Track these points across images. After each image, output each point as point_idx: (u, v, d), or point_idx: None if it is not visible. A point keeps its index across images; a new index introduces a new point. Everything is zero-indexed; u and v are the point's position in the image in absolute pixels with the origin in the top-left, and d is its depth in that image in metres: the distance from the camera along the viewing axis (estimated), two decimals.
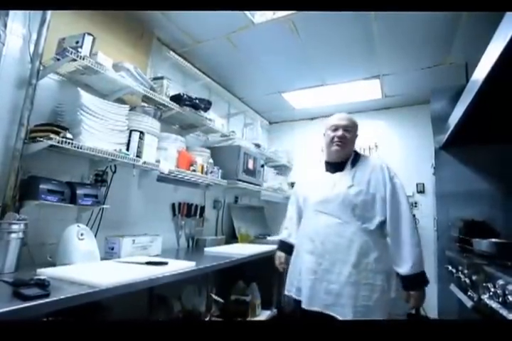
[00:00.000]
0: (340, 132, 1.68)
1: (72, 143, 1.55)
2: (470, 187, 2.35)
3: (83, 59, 1.66)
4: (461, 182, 2.38)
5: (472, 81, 1.59)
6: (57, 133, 1.53)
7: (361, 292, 1.47)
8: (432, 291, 3.32)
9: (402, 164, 3.98)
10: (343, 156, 1.69)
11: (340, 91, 3.61)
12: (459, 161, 2.42)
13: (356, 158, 1.69)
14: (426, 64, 2.89)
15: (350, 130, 1.70)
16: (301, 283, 1.61)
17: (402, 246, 1.49)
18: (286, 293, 1.74)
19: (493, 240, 1.71)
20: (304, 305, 1.56)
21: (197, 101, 2.52)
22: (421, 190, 3.86)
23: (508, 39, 1.07)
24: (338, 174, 1.66)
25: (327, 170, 1.72)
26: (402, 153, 4.04)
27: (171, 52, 2.63)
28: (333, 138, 1.68)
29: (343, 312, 1.46)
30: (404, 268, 1.46)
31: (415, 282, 1.47)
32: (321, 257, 1.56)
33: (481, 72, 1.39)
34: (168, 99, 2.31)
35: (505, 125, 1.90)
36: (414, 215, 3.75)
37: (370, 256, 1.51)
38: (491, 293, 1.19)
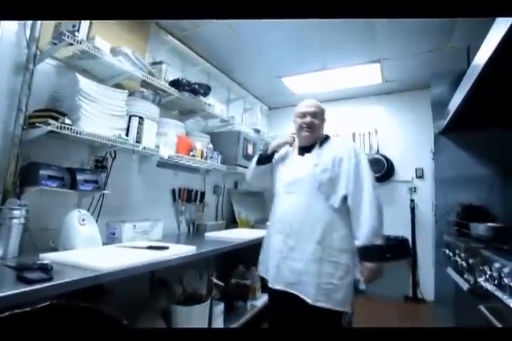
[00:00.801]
0: (308, 119, 1.71)
1: (71, 129, 1.55)
2: (469, 172, 2.35)
3: (80, 43, 1.64)
4: (460, 167, 2.39)
5: (473, 65, 1.57)
6: (56, 119, 1.52)
7: (325, 269, 1.49)
8: (428, 274, 3.40)
9: (402, 149, 3.99)
10: (313, 140, 1.73)
11: (340, 76, 3.57)
12: (458, 146, 2.42)
13: (325, 141, 1.74)
14: (427, 48, 2.85)
15: (317, 116, 1.73)
16: (269, 262, 1.66)
17: (360, 219, 1.51)
18: (257, 273, 1.85)
19: (490, 224, 1.73)
20: (269, 284, 1.64)
21: (196, 86, 2.50)
22: (420, 175, 3.87)
23: (510, 23, 1.05)
24: (306, 155, 1.71)
25: (298, 153, 1.76)
26: (401, 139, 4.03)
27: (170, 37, 2.59)
28: (301, 124, 1.72)
29: (306, 291, 1.49)
30: (360, 240, 1.49)
31: (368, 253, 1.49)
32: (287, 236, 1.59)
33: (483, 56, 1.37)
34: (167, 84, 2.29)
35: (506, 110, 1.89)
36: (412, 200, 3.80)
37: (336, 234, 1.54)
38: (487, 276, 1.21)
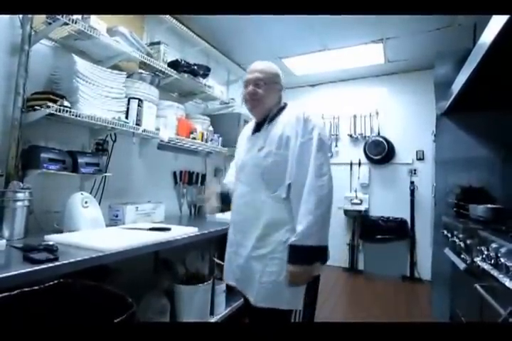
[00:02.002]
0: (250, 87, 1.39)
1: (70, 112, 1.54)
2: (469, 154, 2.35)
3: (75, 23, 1.60)
4: (461, 149, 2.39)
5: (479, 44, 1.53)
6: (55, 102, 1.51)
7: (268, 267, 1.29)
8: (426, 255, 3.46)
9: (403, 132, 3.99)
10: (262, 115, 1.43)
11: (342, 57, 3.51)
12: (460, 128, 2.40)
13: (278, 114, 1.42)
14: (432, 26, 2.78)
15: (261, 84, 1.38)
16: (225, 255, 1.51)
17: (299, 213, 1.24)
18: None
19: (489, 206, 1.74)
20: (224, 280, 1.51)
21: (195, 67, 2.46)
22: (420, 157, 3.87)
23: None
24: (255, 135, 1.45)
25: (252, 132, 1.49)
26: (402, 121, 4.01)
27: (168, 16, 2.53)
28: (244, 96, 1.43)
29: (248, 289, 1.34)
30: (293, 237, 1.24)
31: (294, 254, 1.24)
32: (235, 229, 1.44)
33: (490, 34, 1.34)
34: (165, 66, 2.26)
35: (510, 91, 1.87)
36: (412, 182, 3.82)
37: (282, 228, 1.30)
38: (484, 256, 1.23)
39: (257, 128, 1.45)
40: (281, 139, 1.31)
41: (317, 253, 1.26)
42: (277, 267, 1.28)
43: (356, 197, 4.10)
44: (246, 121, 3.00)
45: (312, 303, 1.34)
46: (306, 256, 1.23)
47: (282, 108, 1.44)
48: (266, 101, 1.40)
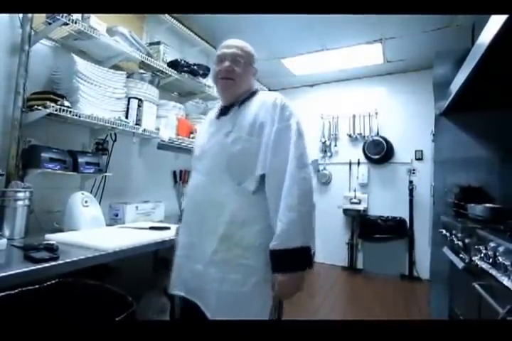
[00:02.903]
0: (226, 63, 1.22)
1: (70, 111, 1.55)
2: (468, 154, 2.36)
3: (75, 23, 1.61)
4: (460, 148, 2.39)
5: (478, 44, 1.54)
6: (55, 102, 1.51)
7: (231, 274, 1.08)
8: (425, 254, 3.47)
9: (402, 131, 3.99)
10: (232, 98, 1.26)
11: (341, 57, 3.52)
12: (459, 128, 2.41)
13: (249, 98, 1.26)
14: (431, 26, 2.79)
15: (240, 60, 1.24)
16: (174, 260, 1.26)
17: (278, 209, 1.06)
18: None
19: (487, 205, 1.75)
20: (169, 289, 1.24)
21: (195, 67, 2.46)
22: (419, 157, 3.88)
23: None
24: (222, 119, 1.26)
25: (216, 116, 1.30)
26: (402, 121, 4.02)
27: (167, 16, 2.53)
28: (217, 73, 1.26)
29: (206, 300, 1.11)
30: (273, 240, 1.04)
31: (279, 261, 1.04)
32: (190, 228, 1.21)
33: (488, 34, 1.35)
34: (165, 66, 2.26)
35: (509, 91, 1.87)
36: (411, 182, 3.82)
37: (250, 228, 1.11)
38: (482, 255, 1.23)
39: (224, 111, 1.27)
40: (254, 125, 1.15)
41: (305, 256, 1.06)
42: (242, 275, 1.08)
43: (355, 196, 4.10)
44: None
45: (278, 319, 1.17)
46: (294, 260, 1.04)
47: (254, 93, 1.28)
48: (241, 82, 1.25)
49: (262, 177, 1.12)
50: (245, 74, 1.25)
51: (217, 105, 1.38)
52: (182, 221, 1.28)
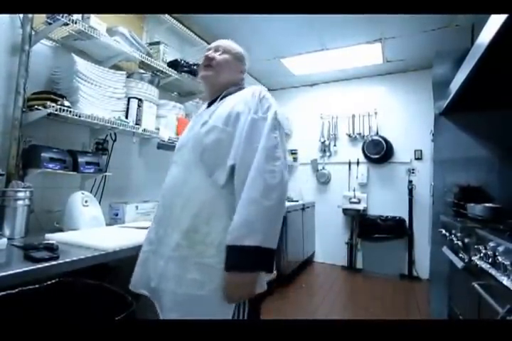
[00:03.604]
0: (209, 52, 1.24)
1: (70, 111, 1.55)
2: (467, 154, 2.36)
3: (75, 23, 1.61)
4: (459, 148, 2.39)
5: (477, 44, 1.54)
6: (55, 101, 1.52)
7: (189, 274, 0.99)
8: (424, 254, 3.48)
9: (401, 131, 4.00)
10: (215, 88, 1.24)
11: (341, 57, 3.52)
12: (458, 127, 2.41)
13: (233, 92, 1.21)
14: (430, 26, 2.80)
15: (221, 51, 1.24)
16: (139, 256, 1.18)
17: (239, 202, 0.99)
18: None
19: (487, 204, 1.75)
20: (130, 287, 1.14)
21: (195, 67, 2.46)
22: (419, 156, 3.89)
23: None
24: (203, 112, 1.24)
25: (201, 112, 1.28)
26: (401, 120, 4.03)
27: (167, 16, 2.53)
28: (200, 65, 1.27)
29: (162, 300, 1.02)
30: (228, 234, 0.97)
31: (232, 258, 0.95)
32: (158, 222, 1.15)
33: (487, 34, 1.35)
34: (165, 65, 2.26)
35: (508, 91, 1.88)
36: (410, 181, 3.83)
37: (216, 224, 1.02)
38: (482, 255, 1.23)
39: (208, 106, 1.25)
40: (230, 115, 1.09)
41: (260, 258, 0.95)
42: (201, 276, 0.98)
43: (355, 196, 4.10)
44: None
45: None
46: (245, 259, 0.94)
47: (240, 89, 1.23)
48: (222, 72, 1.21)
49: (233, 168, 1.04)
50: (226, 65, 1.22)
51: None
52: (154, 216, 1.22)
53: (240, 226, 0.95)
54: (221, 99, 1.19)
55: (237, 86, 1.24)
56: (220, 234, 1.00)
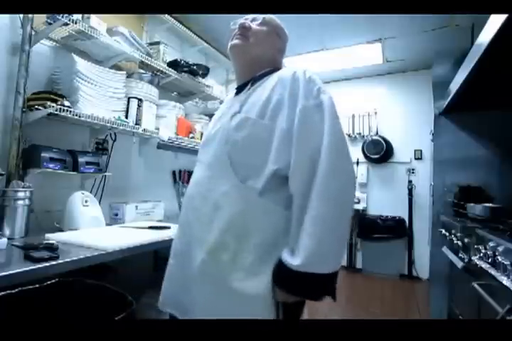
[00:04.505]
0: (245, 21, 1.05)
1: (70, 111, 1.55)
2: (467, 154, 2.36)
3: (75, 23, 1.61)
4: (459, 148, 2.40)
5: (477, 44, 1.55)
6: (55, 101, 1.52)
7: (219, 300, 0.85)
8: (424, 253, 3.48)
9: (401, 131, 4.00)
10: (248, 65, 1.03)
11: (340, 57, 3.52)
12: (458, 127, 2.41)
13: (267, 74, 1.00)
14: (430, 26, 2.80)
15: (260, 20, 1.05)
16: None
17: (302, 218, 0.79)
18: None
19: (487, 204, 1.75)
20: (158, 304, 1.03)
21: (195, 67, 2.46)
22: (418, 156, 3.89)
23: None
24: (235, 98, 1.04)
25: (231, 98, 1.09)
26: (401, 120, 4.03)
27: (167, 16, 2.53)
28: (232, 35, 1.05)
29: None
30: (292, 257, 0.78)
31: (300, 285, 0.78)
32: (182, 232, 0.99)
33: (487, 34, 1.35)
34: (165, 65, 2.26)
35: (507, 91, 1.88)
36: (410, 181, 3.83)
37: (248, 240, 0.84)
38: (482, 254, 1.24)
39: (238, 91, 1.04)
40: (267, 104, 0.89)
41: (330, 284, 0.81)
42: (231, 303, 0.83)
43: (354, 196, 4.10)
44: None
45: None
46: (315, 287, 0.79)
47: (276, 69, 1.02)
48: (257, 45, 1.01)
49: (275, 174, 0.85)
50: (264, 38, 1.02)
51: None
52: (178, 222, 1.05)
53: (312, 251, 0.76)
54: (253, 82, 0.98)
55: (273, 66, 1.04)
56: (252, 254, 0.83)
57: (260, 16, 1.05)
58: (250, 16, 1.07)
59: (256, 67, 1.01)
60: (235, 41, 1.02)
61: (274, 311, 0.82)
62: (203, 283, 0.87)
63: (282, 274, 0.79)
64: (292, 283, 0.79)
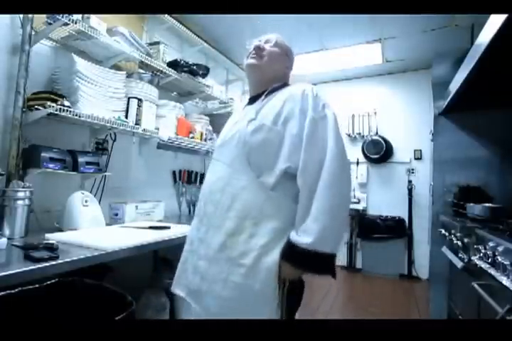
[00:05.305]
0: (257, 42, 1.21)
1: (70, 111, 1.55)
2: (467, 154, 2.36)
3: (75, 23, 1.61)
4: (459, 148, 2.39)
5: (476, 44, 1.55)
6: (55, 101, 1.52)
7: (233, 276, 0.98)
8: (423, 253, 3.48)
9: (401, 131, 4.00)
10: (262, 80, 1.20)
11: (340, 57, 3.52)
12: (458, 127, 2.41)
13: (279, 88, 1.17)
14: (430, 26, 2.80)
15: (271, 43, 1.20)
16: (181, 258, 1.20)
17: (309, 211, 0.96)
18: None
19: (486, 204, 1.75)
20: (171, 287, 1.17)
21: (194, 67, 2.47)
22: (418, 156, 3.90)
23: None
24: (247, 108, 1.21)
25: (244, 107, 1.27)
26: (401, 120, 4.03)
27: (167, 16, 2.53)
28: (248, 54, 1.22)
29: (204, 304, 1.02)
30: (298, 236, 0.96)
31: (304, 260, 0.95)
32: (200, 222, 1.13)
33: (487, 34, 1.35)
34: (165, 65, 2.26)
35: (507, 91, 1.88)
36: (410, 181, 3.83)
37: (262, 226, 1.00)
38: (481, 254, 1.24)
39: (252, 101, 1.21)
40: (280, 114, 1.06)
41: (331, 263, 0.99)
42: (245, 277, 0.97)
43: (354, 196, 4.11)
44: None
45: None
46: (319, 264, 0.97)
47: (285, 85, 1.20)
48: (270, 64, 1.18)
49: (285, 171, 1.02)
50: (276, 58, 1.20)
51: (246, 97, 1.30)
52: (196, 213, 1.20)
53: (321, 233, 0.93)
54: (267, 94, 1.15)
55: (283, 81, 1.22)
56: (267, 236, 0.99)
57: (273, 38, 1.21)
58: (264, 38, 1.22)
59: (269, 82, 1.18)
60: (251, 60, 1.18)
61: (281, 286, 0.98)
62: (218, 262, 1.01)
63: (291, 251, 0.96)
64: (299, 259, 0.95)
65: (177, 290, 1.13)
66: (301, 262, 0.96)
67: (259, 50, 1.18)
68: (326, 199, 0.95)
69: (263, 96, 1.15)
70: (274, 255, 0.98)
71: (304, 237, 0.94)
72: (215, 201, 1.09)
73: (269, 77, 1.19)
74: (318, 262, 0.96)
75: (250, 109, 1.15)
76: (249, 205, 1.02)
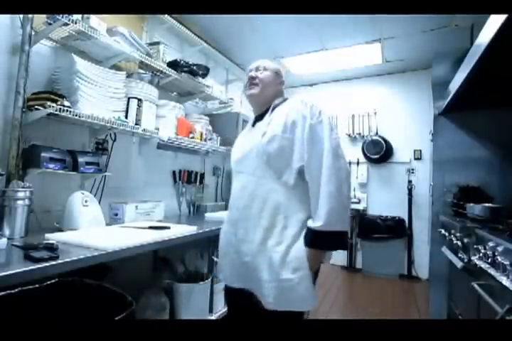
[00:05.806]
0: (251, 73, 1.40)
1: (70, 111, 1.55)
2: (467, 154, 2.36)
3: (75, 23, 1.61)
4: (459, 148, 2.40)
5: (476, 44, 1.55)
6: (55, 101, 1.52)
7: (276, 262, 1.19)
8: (423, 253, 3.48)
9: (401, 131, 4.00)
10: (261, 104, 1.40)
11: (340, 57, 3.52)
12: (458, 127, 2.42)
13: (280, 104, 1.38)
14: (430, 26, 2.80)
15: (262, 69, 1.40)
16: (223, 260, 1.38)
17: (317, 199, 1.17)
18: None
19: (486, 204, 1.76)
20: (226, 283, 1.38)
21: (194, 67, 2.47)
22: (418, 156, 3.89)
23: None
24: (257, 124, 1.39)
25: (252, 125, 1.46)
26: (401, 120, 4.03)
27: (167, 16, 2.53)
28: (245, 84, 1.43)
29: (257, 289, 1.22)
30: (313, 222, 1.17)
31: (322, 240, 1.16)
32: (235, 225, 1.31)
33: (487, 34, 1.35)
34: (165, 66, 2.26)
35: (507, 91, 1.88)
36: (410, 181, 3.83)
37: (292, 218, 1.22)
38: (481, 254, 1.24)
39: (258, 119, 1.40)
40: (287, 123, 1.25)
41: (343, 239, 1.19)
42: (279, 262, 1.18)
43: (354, 196, 4.11)
44: (245, 121, 3.02)
45: None
46: (332, 241, 1.17)
47: (284, 100, 1.40)
48: (266, 87, 1.38)
49: (299, 170, 1.22)
50: (268, 80, 1.39)
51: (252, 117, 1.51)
52: (226, 221, 1.41)
53: (327, 215, 1.13)
54: (272, 110, 1.35)
55: (281, 97, 1.42)
56: (296, 226, 1.21)
57: (261, 65, 1.41)
58: (253, 66, 1.42)
59: (270, 101, 1.39)
60: (250, 91, 1.39)
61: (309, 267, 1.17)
62: (265, 254, 1.20)
63: (310, 236, 1.17)
64: (317, 240, 1.16)
65: (234, 284, 1.32)
66: (318, 243, 1.17)
67: (253, 79, 1.38)
68: (328, 188, 1.16)
69: (269, 112, 1.35)
70: (300, 243, 1.19)
71: (317, 222, 1.15)
72: (247, 205, 1.28)
73: (268, 98, 1.39)
74: (332, 239, 1.16)
75: (260, 125, 1.34)
76: (278, 203, 1.23)
